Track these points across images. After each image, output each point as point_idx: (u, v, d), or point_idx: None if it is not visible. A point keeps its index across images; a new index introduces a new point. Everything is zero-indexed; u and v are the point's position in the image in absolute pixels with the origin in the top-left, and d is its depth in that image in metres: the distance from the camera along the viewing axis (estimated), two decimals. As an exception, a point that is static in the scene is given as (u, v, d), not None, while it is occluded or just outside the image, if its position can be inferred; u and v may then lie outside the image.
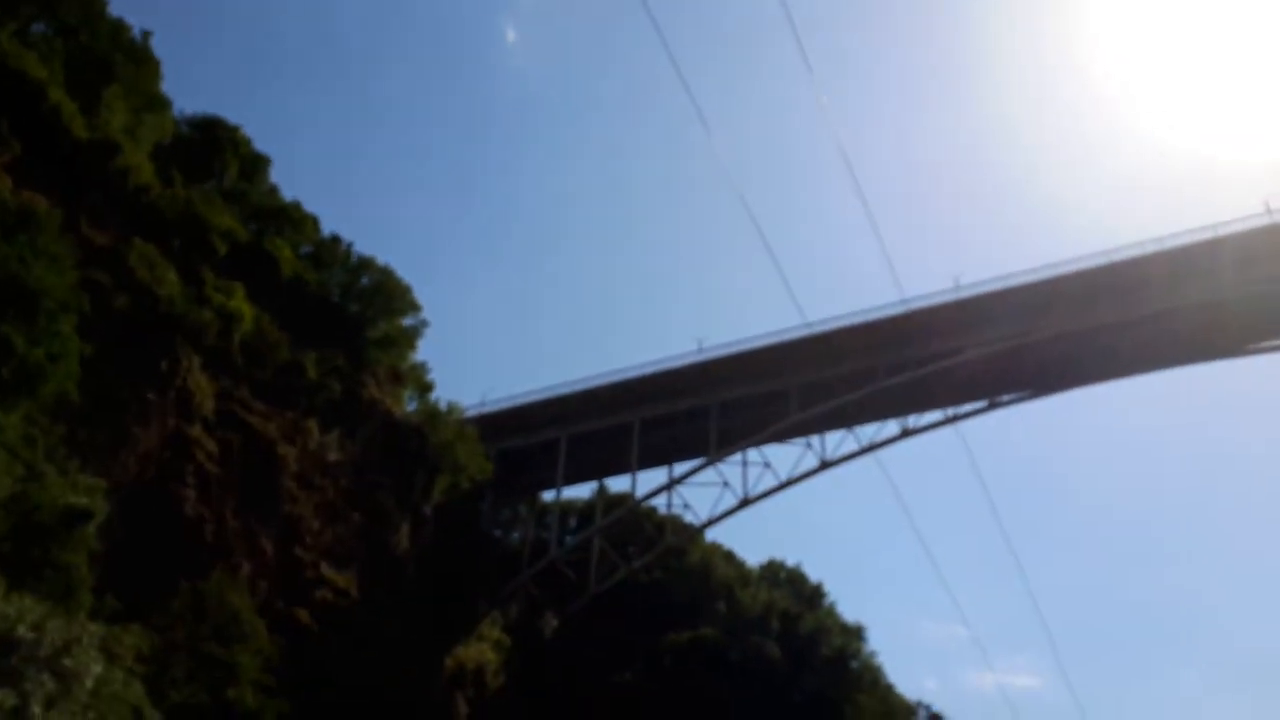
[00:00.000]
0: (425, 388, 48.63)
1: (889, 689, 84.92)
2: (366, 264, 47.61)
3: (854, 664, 63.63)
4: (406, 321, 47.60)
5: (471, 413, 64.34)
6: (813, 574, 70.61)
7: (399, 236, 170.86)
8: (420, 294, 54.33)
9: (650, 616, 59.39)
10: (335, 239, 48.64)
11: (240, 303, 36.94)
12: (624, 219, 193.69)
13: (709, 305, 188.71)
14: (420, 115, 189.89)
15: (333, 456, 38.45)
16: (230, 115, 48.10)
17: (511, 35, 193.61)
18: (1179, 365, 54.80)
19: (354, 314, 43.53)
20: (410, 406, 48.74)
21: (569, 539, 62.22)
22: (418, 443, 44.78)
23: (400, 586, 40.64)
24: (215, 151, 44.96)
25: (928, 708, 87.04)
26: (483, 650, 51.14)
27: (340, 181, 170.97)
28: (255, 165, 47.13)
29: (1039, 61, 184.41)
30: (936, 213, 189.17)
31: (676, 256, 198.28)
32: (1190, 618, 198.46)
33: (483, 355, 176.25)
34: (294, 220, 45.76)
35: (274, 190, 47.65)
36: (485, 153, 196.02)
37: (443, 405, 54.50)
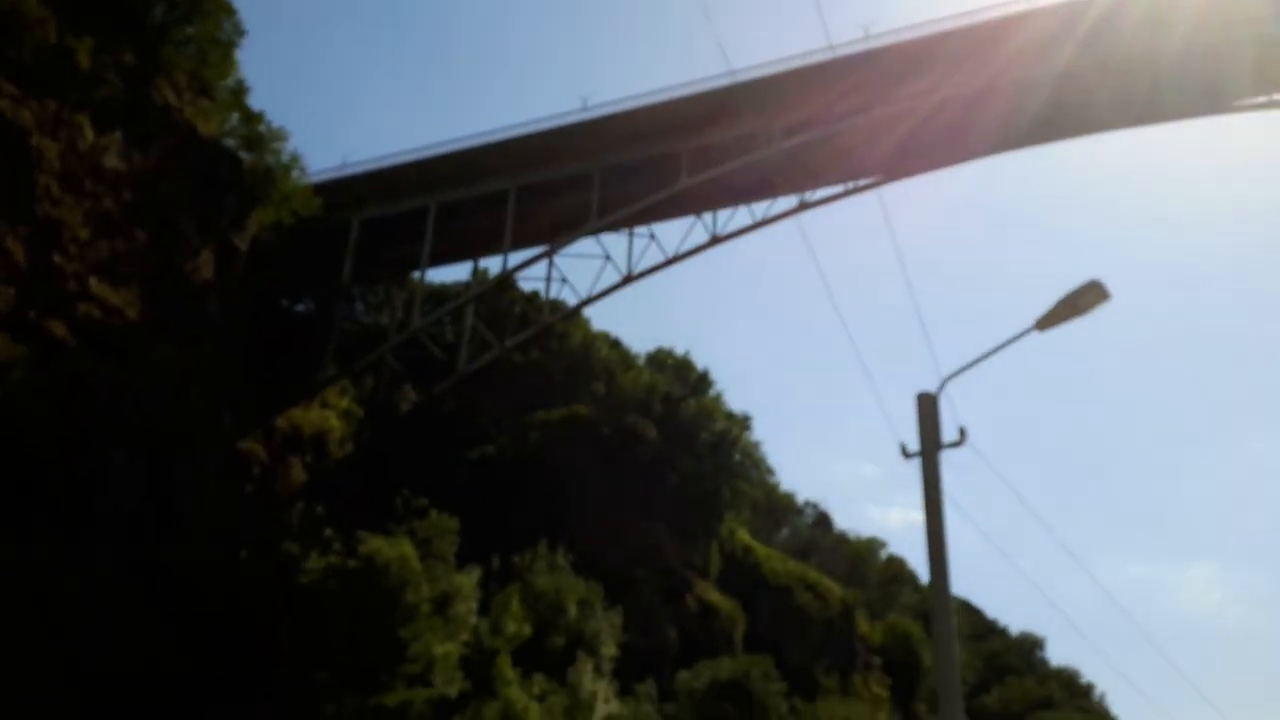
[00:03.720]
0: (250, 117, 42.29)
1: (774, 487, 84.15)
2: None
3: (736, 454, 61.24)
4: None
5: (330, 176, 58.22)
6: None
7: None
8: (282, 49, 46.96)
9: (523, 397, 55.51)
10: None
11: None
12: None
13: (599, 65, 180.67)
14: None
15: (111, 163, 32.53)
16: None
17: None
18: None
19: (150, 9, 36.48)
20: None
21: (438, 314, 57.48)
22: (230, 167, 38.86)
23: (202, 322, 35.57)
24: None
25: (815, 506, 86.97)
26: (326, 417, 46.82)
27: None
28: None
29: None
30: None
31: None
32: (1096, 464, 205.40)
33: (351, 120, 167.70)
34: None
35: None
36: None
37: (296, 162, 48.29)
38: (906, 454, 11.59)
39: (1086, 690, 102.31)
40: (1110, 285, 11.00)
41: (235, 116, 42.08)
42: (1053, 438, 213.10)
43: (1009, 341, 11.56)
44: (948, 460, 11.68)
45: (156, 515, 30.87)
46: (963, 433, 11.45)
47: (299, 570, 34.01)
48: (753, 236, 55.81)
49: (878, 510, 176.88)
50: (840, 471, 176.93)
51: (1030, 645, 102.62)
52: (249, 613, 27.48)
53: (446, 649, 27.76)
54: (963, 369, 11.71)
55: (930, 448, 11.64)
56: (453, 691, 27.75)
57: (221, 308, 37.10)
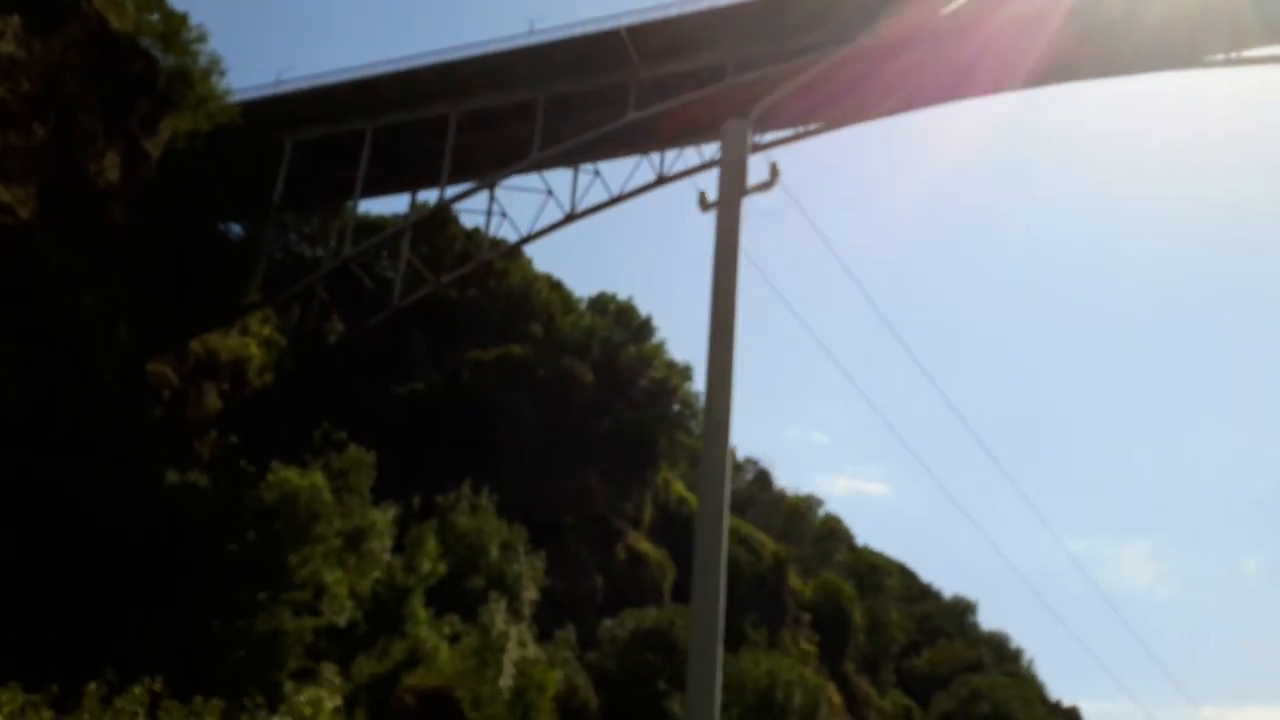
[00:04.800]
0: (170, 15, 39.47)
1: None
2: None
3: (676, 404, 60.00)
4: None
5: (264, 93, 55.41)
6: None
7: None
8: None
9: (458, 335, 53.61)
10: None
11: None
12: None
13: None
14: None
15: (7, 49, 29.89)
16: None
17: None
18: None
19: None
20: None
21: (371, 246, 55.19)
22: (144, 66, 36.24)
23: (105, 228, 33.20)
24: None
25: (755, 463, 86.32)
26: (246, 344, 44.64)
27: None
28: None
29: None
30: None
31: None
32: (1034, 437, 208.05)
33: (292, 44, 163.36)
34: None
35: None
36: None
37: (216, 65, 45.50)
38: (705, 204, 9.55)
39: (1015, 655, 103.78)
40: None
41: (155, 15, 39.30)
42: (1003, 410, 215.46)
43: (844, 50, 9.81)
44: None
45: (42, 427, 28.79)
46: (774, 171, 9.52)
47: (202, 498, 32.36)
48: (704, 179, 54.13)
49: (824, 478, 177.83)
50: (790, 437, 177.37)
51: (962, 609, 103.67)
52: (140, 535, 25.72)
53: (336, 576, 26.24)
54: (783, 92, 9.82)
55: (733, 190, 9.63)
56: (341, 620, 26.31)
57: (129, 215, 34.69)
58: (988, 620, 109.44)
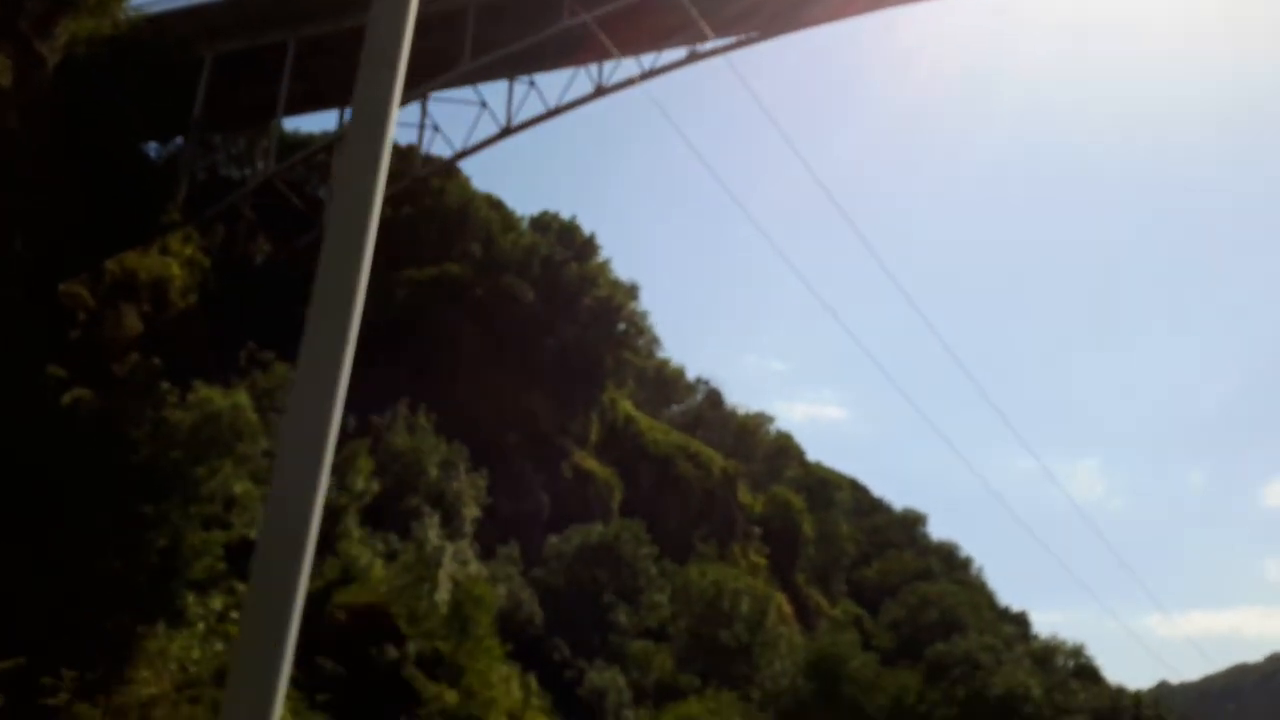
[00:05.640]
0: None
1: (664, 362, 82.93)
2: None
3: (621, 322, 59.23)
4: None
5: (179, 4, 52.76)
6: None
7: None
8: None
9: (392, 256, 52.03)
10: None
11: None
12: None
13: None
14: None
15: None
16: None
17: None
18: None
19: None
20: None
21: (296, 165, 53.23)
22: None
23: (-5, 135, 31.33)
24: None
25: (707, 383, 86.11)
26: (167, 264, 43.02)
27: None
28: None
29: None
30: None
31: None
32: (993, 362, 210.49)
33: None
34: None
35: None
36: None
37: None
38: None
39: (964, 564, 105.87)
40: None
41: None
42: (952, 334, 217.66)
43: None
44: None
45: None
46: None
47: (114, 420, 31.24)
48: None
49: (783, 405, 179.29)
50: (749, 364, 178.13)
51: (913, 521, 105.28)
52: (42, 456, 24.57)
53: (246, 487, 25.39)
54: None
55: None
56: (253, 533, 25.51)
57: (23, 124, 32.77)
58: (937, 534, 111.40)
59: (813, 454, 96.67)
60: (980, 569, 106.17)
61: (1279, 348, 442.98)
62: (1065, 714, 51.23)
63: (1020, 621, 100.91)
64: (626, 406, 63.60)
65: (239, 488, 25.06)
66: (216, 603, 21.18)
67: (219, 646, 20.37)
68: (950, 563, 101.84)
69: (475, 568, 37.87)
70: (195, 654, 19.51)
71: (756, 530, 67.30)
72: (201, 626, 20.41)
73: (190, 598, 20.69)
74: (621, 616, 43.64)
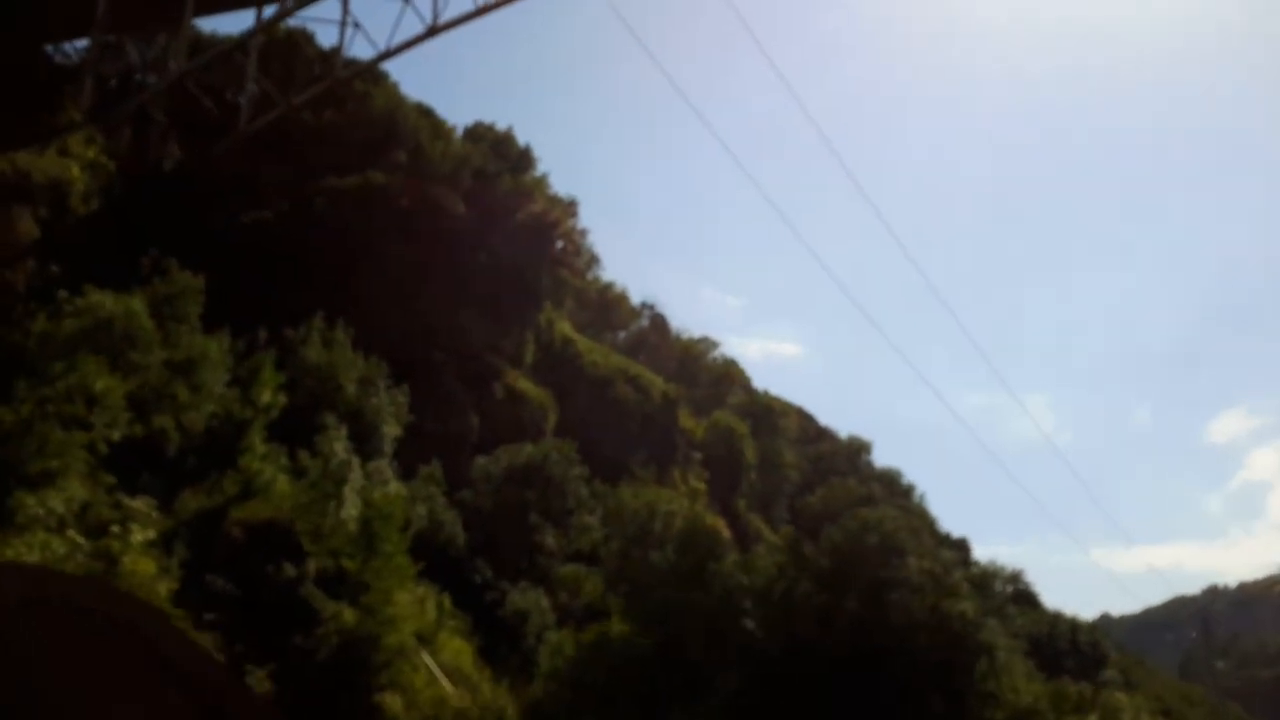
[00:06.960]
0: None
1: (607, 285, 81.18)
2: None
3: (558, 239, 57.28)
4: None
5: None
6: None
7: None
8: None
9: (313, 163, 49.62)
10: None
11: None
12: None
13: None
14: None
15: None
16: None
17: None
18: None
19: None
20: None
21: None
22: None
23: None
24: None
25: (652, 308, 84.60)
26: (66, 166, 40.30)
27: None
28: None
29: None
30: None
31: None
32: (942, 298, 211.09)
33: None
34: None
35: None
36: None
37: None
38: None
39: (907, 491, 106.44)
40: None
41: None
42: (900, 274, 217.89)
43: None
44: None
45: None
46: None
47: (8, 326, 29.16)
48: None
49: (738, 341, 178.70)
50: (705, 298, 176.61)
51: (857, 449, 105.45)
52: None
53: (108, 383, 23.56)
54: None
55: None
56: (115, 434, 23.82)
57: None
58: (882, 460, 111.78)
59: (768, 389, 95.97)
60: (922, 496, 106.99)
61: (1228, 283, 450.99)
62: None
63: (961, 548, 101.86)
64: (565, 328, 62.02)
65: (100, 383, 23.18)
66: (56, 502, 19.48)
67: (61, 550, 18.72)
68: (892, 489, 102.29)
69: (395, 487, 36.38)
70: (32, 558, 17.86)
71: (697, 455, 66.49)
72: (40, 531, 18.75)
73: (30, 499, 19.00)
74: (549, 538, 42.56)
